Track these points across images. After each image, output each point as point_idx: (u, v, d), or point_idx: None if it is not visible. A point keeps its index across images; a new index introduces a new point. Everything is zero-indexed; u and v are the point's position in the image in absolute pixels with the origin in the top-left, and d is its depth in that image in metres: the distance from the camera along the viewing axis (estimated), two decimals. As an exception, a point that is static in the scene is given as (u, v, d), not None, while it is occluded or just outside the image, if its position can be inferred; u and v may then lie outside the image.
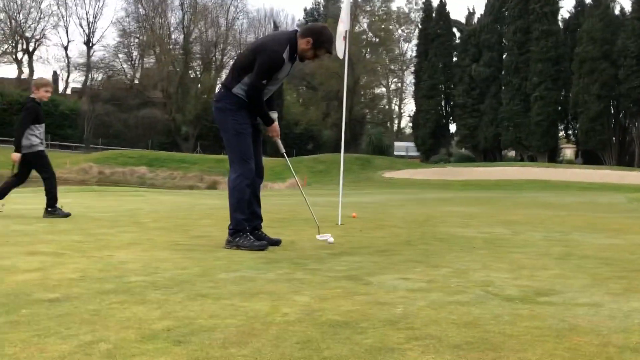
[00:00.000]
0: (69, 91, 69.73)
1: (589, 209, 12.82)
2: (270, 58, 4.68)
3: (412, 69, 63.95)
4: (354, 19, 62.30)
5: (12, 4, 62.34)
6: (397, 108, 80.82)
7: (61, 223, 6.58)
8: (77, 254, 4.32)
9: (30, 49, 64.70)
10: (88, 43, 67.58)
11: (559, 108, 46.42)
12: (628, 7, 45.79)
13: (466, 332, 2.42)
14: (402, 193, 22.18)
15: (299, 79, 73.17)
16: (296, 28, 5.42)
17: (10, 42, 63.62)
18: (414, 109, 58.10)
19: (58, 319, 2.53)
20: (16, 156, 7.39)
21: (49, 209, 7.42)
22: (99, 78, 66.35)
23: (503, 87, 48.13)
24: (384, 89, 78.34)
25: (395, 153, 61.13)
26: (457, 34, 55.18)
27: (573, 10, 49.11)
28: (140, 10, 64.38)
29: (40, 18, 67.04)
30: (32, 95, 7.54)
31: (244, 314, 2.68)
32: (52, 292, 3.04)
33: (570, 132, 50.69)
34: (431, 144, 53.34)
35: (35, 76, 66.39)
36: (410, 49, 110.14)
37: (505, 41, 49.11)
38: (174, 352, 2.14)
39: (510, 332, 2.43)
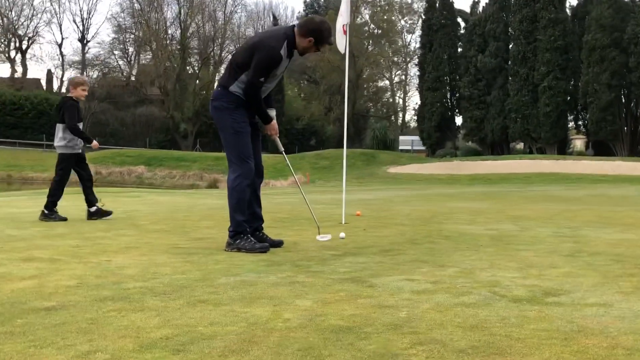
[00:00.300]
0: (64, 89, 69.81)
1: (600, 202, 12.80)
2: (267, 55, 4.71)
3: (416, 60, 63.76)
4: (355, 11, 62.25)
5: (3, 1, 62.37)
6: (401, 101, 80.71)
7: (57, 227, 6.59)
8: (74, 259, 4.34)
9: (24, 47, 64.74)
10: (82, 40, 67.65)
11: (568, 98, 46.26)
12: (638, -7, 45.49)
13: (472, 336, 2.42)
14: (408, 189, 22.17)
15: (300, 73, 73.11)
16: (294, 22, 5.42)
17: (2, 40, 63.67)
18: (419, 101, 57.93)
19: (54, 328, 2.55)
20: (95, 144, 7.88)
21: (46, 212, 7.43)
22: (95, 75, 66.35)
23: (510, 78, 47.97)
24: (387, 82, 78.26)
25: (400, 147, 60.95)
26: (462, 24, 55.01)
27: (581, -4, 48.99)
28: (135, 5, 64.38)
29: (32, 15, 67.16)
30: (70, 94, 7.70)
31: (245, 320, 2.69)
32: (48, 300, 3.05)
33: (580, 122, 50.50)
34: (437, 138, 53.21)
35: (29, 75, 66.53)
36: (413, 40, 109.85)
37: (511, 30, 48.94)
38: (172, 361, 2.15)
39: (517, 335, 2.44)
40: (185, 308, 2.90)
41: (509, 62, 48.32)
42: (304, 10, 72.76)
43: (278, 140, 5.24)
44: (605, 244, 5.44)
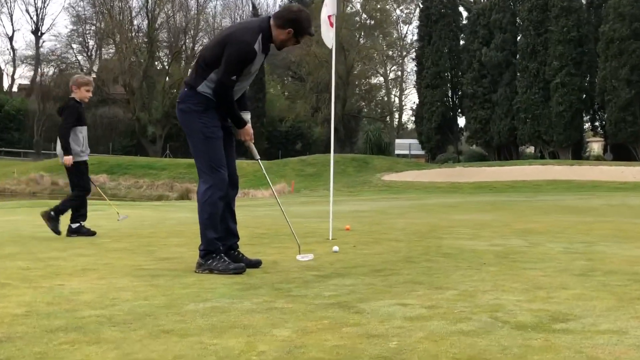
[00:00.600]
0: (15, 88, 69.47)
1: (619, 213, 12.90)
2: (240, 50, 4.71)
3: (413, 54, 64.13)
4: (344, -1, 62.44)
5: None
6: (397, 100, 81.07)
7: (6, 246, 6.55)
8: (23, 284, 4.32)
9: (-30, 40, 64.42)
10: (36, 32, 67.45)
11: (584, 96, 46.60)
12: (660, -21, 45.95)
13: (469, 369, 2.44)
14: (404, 199, 22.22)
15: (284, 68, 73.26)
16: (270, 14, 5.44)
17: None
18: (417, 100, 58.20)
19: (-3, 364, 2.53)
20: (69, 160, 7.66)
21: (52, 214, 7.59)
22: (50, 72, 66.13)
23: (518, 74, 48.28)
24: (381, 79, 78.63)
25: (397, 152, 61.26)
26: (464, 14, 55.41)
27: (597, -17, 49.43)
28: (97, -8, 64.35)
29: (-21, 4, 66.84)
30: (73, 95, 7.83)
31: (214, 353, 2.69)
32: (-8, 331, 3.03)
33: (597, 123, 50.86)
34: (437, 141, 53.45)
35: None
36: (410, 31, 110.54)
37: (519, 21, 49.31)
38: (131, 401, 2.15)
39: (520, 367, 2.45)
40: (147, 340, 2.89)
41: (517, 56, 48.65)
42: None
43: (253, 146, 5.23)
44: (623, 262, 5.49)
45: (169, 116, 59.82)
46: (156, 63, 67.28)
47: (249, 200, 25.46)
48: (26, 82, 69.74)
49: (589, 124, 51.48)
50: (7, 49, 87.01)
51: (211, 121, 4.86)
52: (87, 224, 7.87)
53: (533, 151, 54.04)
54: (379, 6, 69.85)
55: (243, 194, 33.62)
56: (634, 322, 3.19)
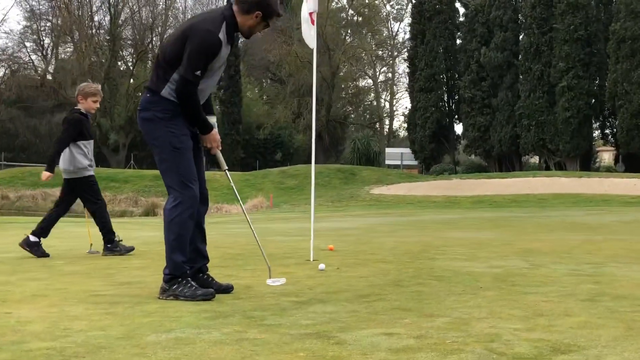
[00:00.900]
0: (-39, 92, 69.01)
1: (632, 230, 12.99)
2: (203, 41, 4.66)
3: (405, 55, 64.45)
4: (329, -8, 62.69)
5: None
6: (387, 105, 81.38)
7: (-54, 269, 6.49)
8: (-36, 312, 4.27)
9: None
10: (-15, 28, 67.05)
11: (593, 101, 46.92)
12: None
13: (460, 407, 2.44)
14: (395, 214, 22.26)
15: (262, 69, 73.32)
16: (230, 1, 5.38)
17: None
18: (409, 105, 58.44)
19: None
20: (46, 175, 7.84)
21: (109, 245, 7.98)
22: (1, 74, 65.75)
23: (521, 76, 48.58)
24: (370, 81, 78.91)
25: (387, 162, 61.37)
26: (461, 10, 55.79)
27: (606, -23, 49.94)
28: (53, -16, 64.19)
29: None
30: (78, 106, 8.03)
31: (176, 390, 2.67)
32: None
33: (607, 131, 51.30)
34: (432, 150, 53.61)
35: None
36: (402, 29, 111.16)
37: (522, 18, 49.69)
38: None
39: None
40: (101, 375, 2.87)
41: (519, 57, 48.96)
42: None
43: (220, 155, 5.15)
44: (634, 285, 5.52)
45: (133, 122, 59.62)
46: (119, 63, 67.14)
47: (222, 217, 25.40)
48: (-27, 84, 69.32)
49: (599, 131, 51.84)
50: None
51: (179, 130, 4.81)
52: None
53: (537, 161, 54.33)
54: (367, 1, 70.21)
55: (215, 210, 33.54)
56: (644, 353, 3.21)
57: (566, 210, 23.72)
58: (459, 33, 54.99)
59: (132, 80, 64.84)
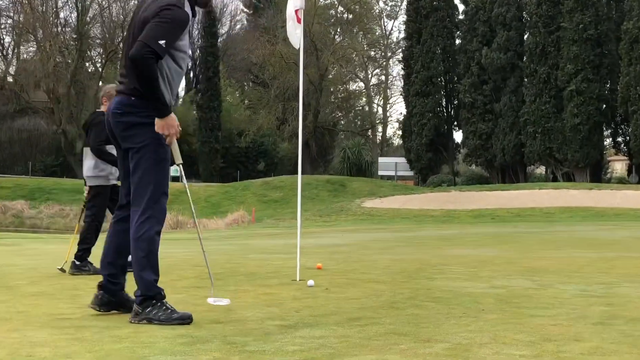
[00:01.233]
0: None
1: (645, 247, 13.04)
2: (173, 14, 4.71)
3: (400, 56, 64.62)
4: (317, -12, 62.79)
5: None
6: (380, 110, 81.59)
7: None
8: None
9: None
10: (-61, 26, 66.81)
11: (604, 106, 47.13)
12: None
13: None
14: (389, 230, 22.25)
15: (244, 71, 73.38)
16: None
17: None
18: (404, 111, 58.61)
19: None
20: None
21: (77, 263, 8.10)
22: (-44, 75, 65.48)
23: (525, 79, 48.77)
24: (361, 85, 79.13)
25: (380, 173, 61.48)
26: (461, 7, 56.02)
27: (618, -28, 50.19)
28: (14, -22, 64.04)
29: None
30: (102, 108, 8.17)
31: (150, 423, 2.66)
32: None
33: (619, 139, 51.50)
34: (429, 160, 53.73)
35: None
36: (396, 28, 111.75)
37: (526, 16, 49.93)
38: None
39: None
40: (67, 407, 2.85)
41: (524, 58, 49.13)
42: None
43: (177, 146, 5.02)
44: (648, 307, 5.54)
45: (102, 129, 59.48)
46: (87, 64, 66.97)
47: (201, 232, 25.29)
48: None
49: (610, 139, 52.04)
50: None
51: (163, 138, 4.82)
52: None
53: (544, 172, 54.50)
54: (358, -3, 70.31)
55: (192, 225, 33.43)
56: (660, 381, 3.23)
57: (575, 225, 23.78)
58: (458, 32, 55.19)
59: (100, 83, 64.63)
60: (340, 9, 70.79)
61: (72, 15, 64.95)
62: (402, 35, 62.75)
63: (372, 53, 76.35)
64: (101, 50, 67.34)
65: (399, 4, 73.30)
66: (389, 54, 76.32)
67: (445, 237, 17.20)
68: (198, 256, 10.65)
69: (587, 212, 31.00)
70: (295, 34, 7.77)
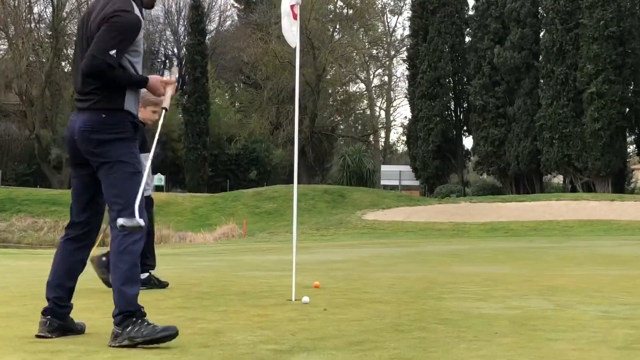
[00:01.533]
0: None
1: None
2: (126, 21, 4.89)
3: (405, 54, 64.74)
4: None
5: None
6: (383, 114, 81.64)
7: None
8: None
9: None
10: None
11: (627, 110, 47.13)
12: None
13: None
14: (393, 245, 22.24)
15: (234, 71, 73.42)
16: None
17: None
18: (409, 114, 58.66)
19: None
20: None
21: (104, 259, 8.07)
22: None
23: (541, 80, 48.84)
24: (362, 86, 79.24)
25: (382, 182, 61.44)
26: (471, 2, 56.13)
27: (641, -36, 50.28)
28: (-17, -30, 64.14)
29: None
30: None
31: None
32: None
33: (644, 145, 51.53)
34: (436, 168, 53.73)
35: None
36: (400, 24, 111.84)
37: (542, 11, 50.01)
38: None
39: None
40: None
41: (540, 58, 49.21)
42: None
43: (170, 93, 5.34)
44: (677, 329, 5.53)
45: (79, 134, 59.48)
46: (63, 64, 66.94)
47: (186, 247, 25.34)
48: None
49: (634, 146, 52.04)
50: None
51: (137, 148, 5.09)
52: None
53: (561, 182, 54.54)
54: (359, -9, 70.46)
55: (178, 238, 33.45)
56: (691, 412, 3.22)
57: (596, 240, 23.78)
58: (468, 29, 55.30)
59: (78, 84, 64.61)
60: (340, 3, 70.85)
61: (47, 10, 65.04)
62: (407, 32, 63.03)
63: (374, 52, 76.42)
64: (79, 49, 67.31)
65: (404, -2, 73.42)
66: (393, 53, 76.50)
67: (454, 252, 17.19)
68: (185, 273, 10.64)
69: (608, 226, 31.01)
70: (291, 30, 7.77)
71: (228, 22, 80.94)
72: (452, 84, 55.44)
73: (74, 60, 5.26)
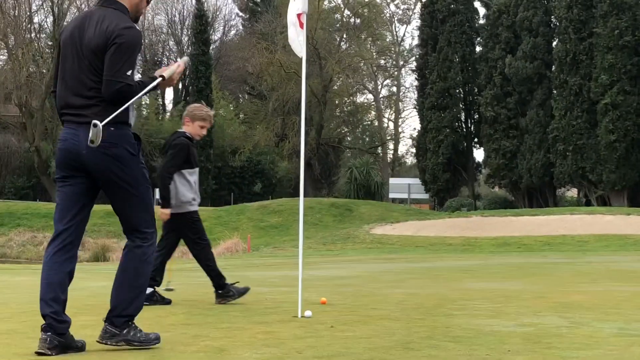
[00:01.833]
0: None
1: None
2: (132, 38, 5.09)
3: (413, 65, 64.83)
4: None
5: None
6: (391, 125, 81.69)
7: None
8: None
9: None
10: None
11: (643, 121, 47.14)
12: None
13: None
14: (402, 260, 22.21)
15: (239, 82, 73.56)
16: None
17: None
18: (418, 126, 58.69)
19: None
20: (165, 214, 8.32)
21: (220, 291, 8.51)
22: None
23: (554, 91, 48.80)
24: (370, 97, 79.34)
25: (391, 196, 61.46)
26: (482, 11, 56.23)
27: (657, -29, 50.35)
28: (-18, -21, 64.42)
29: None
30: (183, 129, 8.55)
31: None
32: None
33: (661, 157, 51.45)
34: (446, 181, 53.71)
35: None
36: (409, 34, 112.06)
37: (555, 20, 50.06)
38: None
39: None
40: None
41: (553, 68, 49.21)
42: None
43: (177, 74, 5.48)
44: (696, 348, 5.51)
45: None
46: (64, 74, 67.06)
47: (188, 262, 25.25)
48: None
49: (651, 158, 51.98)
50: None
51: (144, 164, 5.37)
52: None
53: (575, 195, 54.47)
54: (366, 0, 70.61)
55: (179, 254, 33.42)
56: None
57: (612, 255, 23.73)
58: (478, 38, 55.35)
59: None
60: (347, 12, 71.00)
61: (48, 19, 65.27)
62: (416, 41, 63.08)
63: (382, 62, 76.64)
64: (79, 59, 67.51)
65: (412, 7, 73.61)
66: (401, 63, 76.66)
67: (465, 268, 17.16)
68: (188, 289, 10.63)
69: (624, 241, 30.93)
70: (297, 40, 7.77)
71: (232, 32, 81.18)
72: (462, 95, 55.46)
73: (59, 76, 5.31)
